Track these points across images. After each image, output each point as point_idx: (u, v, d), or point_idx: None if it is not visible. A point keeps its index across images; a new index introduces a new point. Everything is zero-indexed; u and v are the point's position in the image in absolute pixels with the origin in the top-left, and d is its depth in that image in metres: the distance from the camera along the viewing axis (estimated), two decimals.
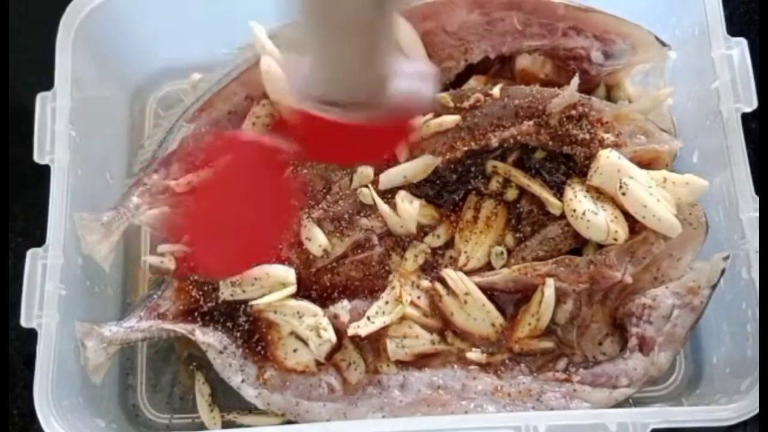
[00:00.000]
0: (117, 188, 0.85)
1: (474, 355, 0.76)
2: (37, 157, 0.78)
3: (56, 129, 0.78)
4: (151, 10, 0.85)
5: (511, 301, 0.78)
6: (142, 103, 0.94)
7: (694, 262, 0.77)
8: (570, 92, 0.77)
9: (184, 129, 0.83)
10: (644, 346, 0.75)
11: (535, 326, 0.75)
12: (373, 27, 0.55)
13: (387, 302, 0.76)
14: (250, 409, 0.79)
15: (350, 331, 0.75)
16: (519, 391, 0.74)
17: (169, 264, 0.80)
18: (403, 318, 0.76)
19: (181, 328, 0.78)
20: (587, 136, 0.77)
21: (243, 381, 0.77)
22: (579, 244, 0.78)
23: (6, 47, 0.94)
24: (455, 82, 0.82)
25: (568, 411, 0.73)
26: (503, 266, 0.77)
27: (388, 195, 0.78)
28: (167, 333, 0.79)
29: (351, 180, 0.79)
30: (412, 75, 0.62)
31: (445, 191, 0.80)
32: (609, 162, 0.74)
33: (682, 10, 0.81)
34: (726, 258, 0.75)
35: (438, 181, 0.80)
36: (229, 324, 0.79)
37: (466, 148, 0.78)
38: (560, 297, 0.75)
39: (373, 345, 0.77)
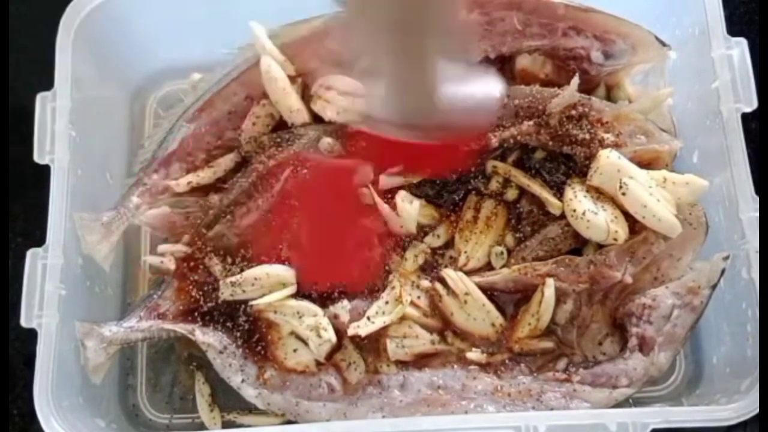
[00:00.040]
0: (117, 188, 0.85)
1: (474, 355, 0.76)
2: (37, 157, 0.78)
3: (56, 129, 0.78)
4: (151, 10, 0.85)
5: (511, 301, 0.78)
6: (142, 103, 0.94)
7: (694, 262, 0.77)
8: (570, 92, 0.77)
9: (184, 129, 0.83)
10: (644, 346, 0.75)
11: (535, 326, 0.75)
12: (425, 50, 0.54)
13: (387, 302, 0.76)
14: (250, 409, 0.79)
15: (350, 331, 0.75)
16: (519, 391, 0.74)
17: (169, 264, 0.80)
18: (403, 318, 0.76)
19: (181, 328, 0.78)
20: (587, 136, 0.77)
21: (243, 381, 0.77)
22: (579, 244, 0.78)
23: (6, 47, 0.94)
24: None
25: (568, 411, 0.73)
26: (503, 266, 0.77)
27: (388, 195, 0.78)
28: (167, 333, 0.79)
29: None
30: (475, 90, 0.61)
31: (445, 191, 0.80)
32: (609, 162, 0.74)
33: (682, 10, 0.81)
34: (726, 258, 0.75)
35: (438, 181, 0.80)
36: (229, 324, 0.79)
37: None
38: (560, 297, 0.75)
39: (373, 345, 0.77)
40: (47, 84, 0.80)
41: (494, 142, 0.78)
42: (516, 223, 0.79)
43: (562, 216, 0.77)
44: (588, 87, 0.81)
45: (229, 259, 0.80)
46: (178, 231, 0.82)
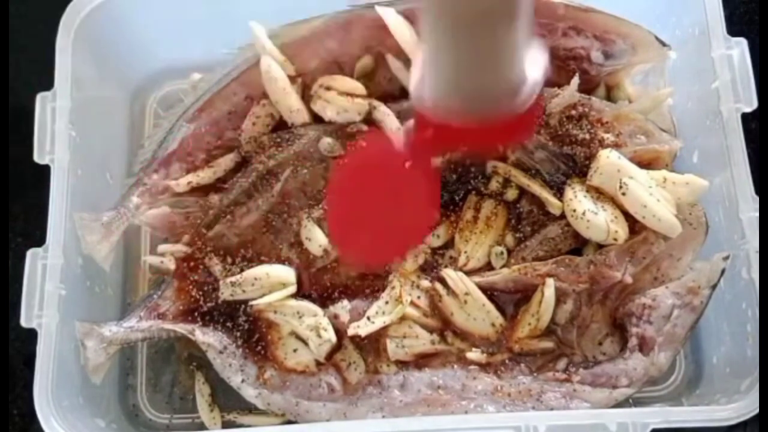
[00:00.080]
0: (117, 188, 0.85)
1: (474, 355, 0.76)
2: (37, 157, 0.78)
3: (56, 129, 0.78)
4: (151, 10, 0.85)
5: (511, 301, 0.78)
6: (142, 103, 0.94)
7: (694, 262, 0.77)
8: (570, 92, 0.77)
9: (184, 129, 0.83)
10: (644, 346, 0.75)
11: (535, 326, 0.75)
12: (499, 29, 0.52)
13: (387, 302, 0.76)
14: (250, 409, 0.79)
15: (350, 331, 0.75)
16: (519, 391, 0.74)
17: (169, 264, 0.80)
18: (403, 318, 0.76)
19: (181, 328, 0.78)
20: (587, 136, 0.77)
21: (243, 381, 0.77)
22: (579, 244, 0.78)
23: (6, 47, 0.94)
24: None
25: (568, 411, 0.73)
26: (503, 266, 0.77)
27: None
28: (167, 333, 0.79)
29: None
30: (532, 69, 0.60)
31: (445, 191, 0.80)
32: (609, 162, 0.74)
33: (682, 10, 0.81)
34: (726, 258, 0.75)
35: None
36: (229, 324, 0.79)
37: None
38: (560, 297, 0.75)
39: (373, 345, 0.77)
40: (47, 84, 0.80)
41: None
42: (516, 223, 0.79)
43: (562, 216, 0.77)
44: (588, 87, 0.81)
45: (229, 259, 0.80)
46: (178, 231, 0.82)
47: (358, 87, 0.80)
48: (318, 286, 0.79)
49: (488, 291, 0.76)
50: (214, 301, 0.79)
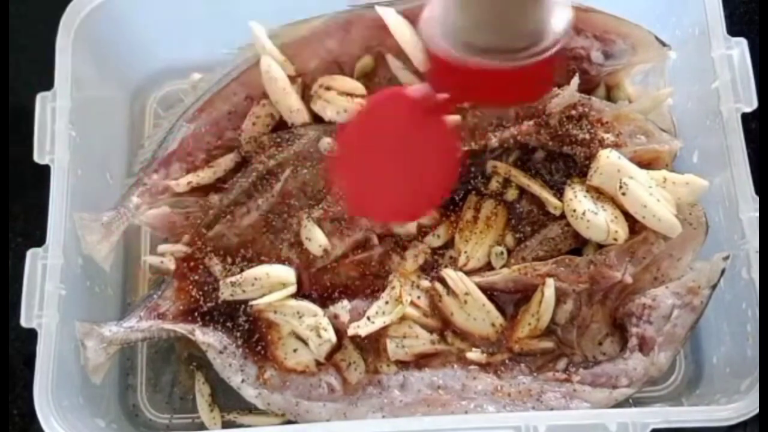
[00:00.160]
0: (117, 188, 0.85)
1: (474, 355, 0.76)
2: (37, 157, 0.78)
3: (56, 129, 0.78)
4: (151, 10, 0.85)
5: (511, 301, 0.78)
6: (142, 103, 0.94)
7: (694, 262, 0.77)
8: (570, 92, 0.77)
9: (184, 129, 0.83)
10: (644, 346, 0.75)
11: (535, 326, 0.75)
12: None
13: (387, 302, 0.76)
14: (250, 409, 0.79)
15: (350, 331, 0.75)
16: (519, 391, 0.74)
17: (169, 264, 0.80)
18: (403, 318, 0.76)
19: (181, 328, 0.78)
20: (587, 136, 0.77)
21: (243, 381, 0.77)
22: (579, 244, 0.78)
23: (6, 47, 0.94)
24: None
25: (568, 411, 0.73)
26: (503, 266, 0.77)
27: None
28: (167, 333, 0.79)
29: None
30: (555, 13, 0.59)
31: None
32: (609, 162, 0.74)
33: (682, 10, 0.81)
34: (726, 258, 0.75)
35: None
36: (229, 324, 0.79)
37: (466, 148, 0.78)
38: (560, 297, 0.75)
39: (373, 345, 0.77)
40: (47, 84, 0.80)
41: (494, 142, 0.78)
42: (516, 223, 0.79)
43: (562, 216, 0.77)
44: (588, 87, 0.81)
45: (229, 259, 0.80)
46: (178, 231, 0.82)
47: (358, 87, 0.80)
48: (318, 286, 0.79)
49: (488, 291, 0.76)
50: (214, 301, 0.79)
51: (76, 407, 0.75)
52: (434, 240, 0.79)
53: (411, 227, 0.78)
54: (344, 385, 0.76)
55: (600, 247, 0.76)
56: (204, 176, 0.82)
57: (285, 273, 0.78)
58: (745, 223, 0.74)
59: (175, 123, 0.84)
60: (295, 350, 0.77)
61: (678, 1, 0.82)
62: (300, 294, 0.78)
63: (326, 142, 0.79)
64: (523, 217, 0.79)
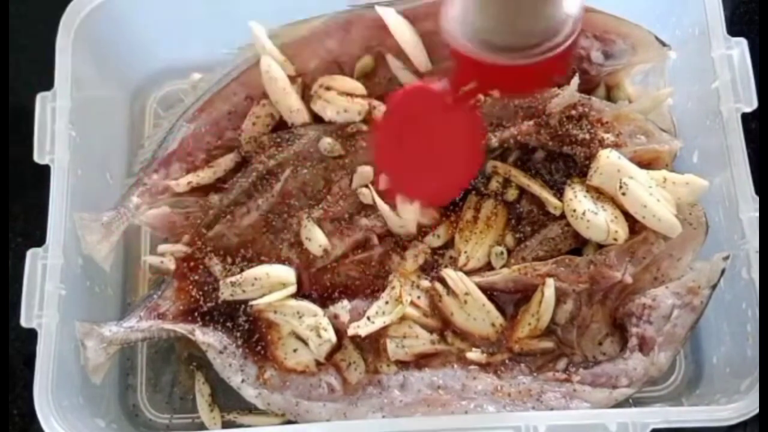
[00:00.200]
0: (117, 188, 0.85)
1: (474, 355, 0.76)
2: (37, 157, 0.78)
3: (56, 129, 0.78)
4: (151, 10, 0.85)
5: (511, 301, 0.78)
6: (142, 103, 0.94)
7: (694, 262, 0.77)
8: (570, 92, 0.77)
9: (184, 129, 0.83)
10: (644, 346, 0.75)
11: (535, 326, 0.75)
12: None
13: (387, 302, 0.76)
14: (250, 409, 0.79)
15: (350, 331, 0.75)
16: (519, 391, 0.74)
17: (169, 264, 0.80)
18: (403, 318, 0.76)
19: (181, 328, 0.78)
20: (587, 136, 0.77)
21: (243, 381, 0.77)
22: (579, 244, 0.78)
23: (6, 47, 0.94)
24: None
25: (568, 411, 0.73)
26: (503, 266, 0.77)
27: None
28: (167, 333, 0.79)
29: (351, 180, 0.79)
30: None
31: None
32: (609, 162, 0.74)
33: (682, 10, 0.81)
34: (726, 258, 0.75)
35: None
36: (229, 324, 0.79)
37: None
38: (560, 297, 0.75)
39: (373, 345, 0.77)
40: (47, 84, 0.80)
41: (494, 142, 0.78)
42: (516, 223, 0.79)
43: (562, 216, 0.77)
44: (588, 87, 0.81)
45: (229, 259, 0.80)
46: (178, 231, 0.82)
47: (358, 87, 0.80)
48: (318, 286, 0.79)
49: (488, 291, 0.76)
50: (214, 301, 0.79)
51: (76, 407, 0.75)
52: (434, 240, 0.79)
53: (411, 227, 0.78)
54: (344, 385, 0.76)
55: (600, 247, 0.76)
56: (204, 176, 0.82)
57: (285, 273, 0.78)
58: (745, 223, 0.74)
59: (175, 123, 0.84)
60: (295, 350, 0.77)
61: (678, 1, 0.82)
62: (300, 294, 0.78)
63: (326, 142, 0.79)
64: (523, 217, 0.79)
